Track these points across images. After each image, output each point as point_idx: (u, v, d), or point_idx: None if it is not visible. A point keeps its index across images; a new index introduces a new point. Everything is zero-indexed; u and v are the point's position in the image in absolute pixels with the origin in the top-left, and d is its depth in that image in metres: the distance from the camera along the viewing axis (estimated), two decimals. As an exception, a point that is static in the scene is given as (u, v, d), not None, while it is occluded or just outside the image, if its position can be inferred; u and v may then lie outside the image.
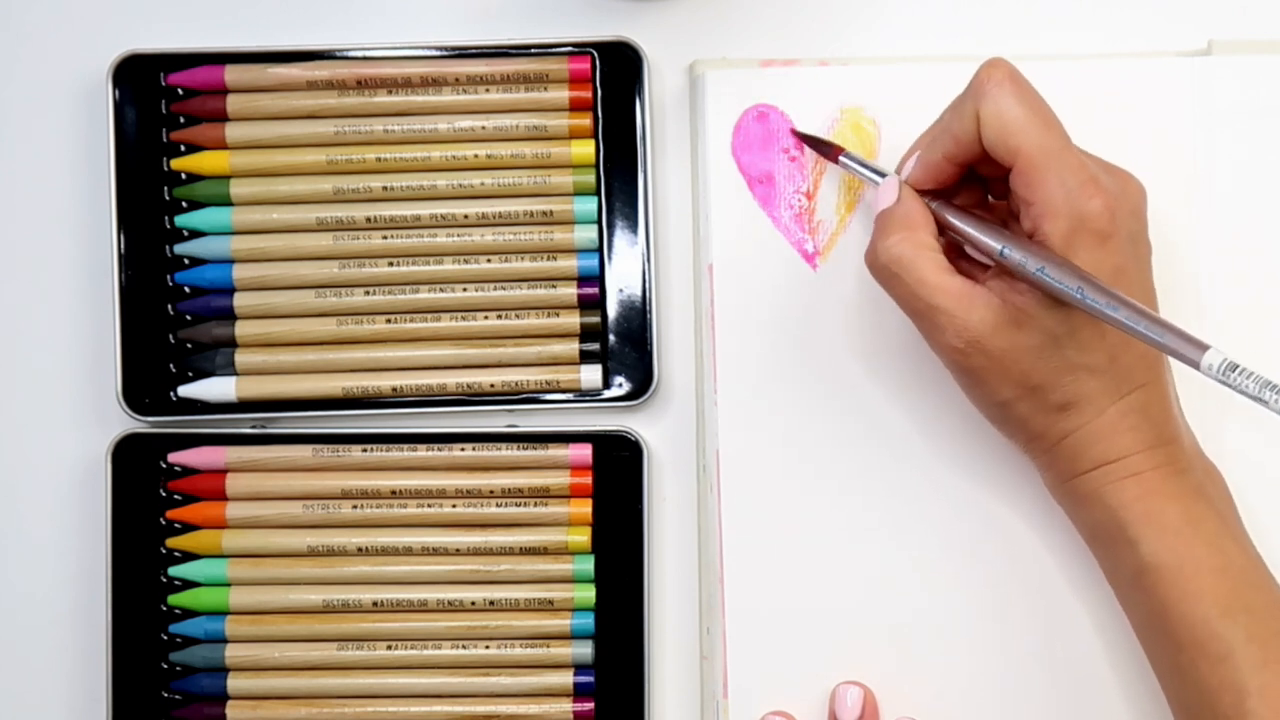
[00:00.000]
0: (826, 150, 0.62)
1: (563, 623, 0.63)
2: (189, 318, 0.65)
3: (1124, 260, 0.54)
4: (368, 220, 0.64)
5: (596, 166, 0.64)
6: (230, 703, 0.63)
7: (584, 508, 0.64)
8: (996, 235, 0.55)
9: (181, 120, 0.65)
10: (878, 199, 0.58)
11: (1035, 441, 0.57)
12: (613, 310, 0.64)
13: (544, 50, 0.64)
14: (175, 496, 0.64)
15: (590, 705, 0.63)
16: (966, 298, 0.54)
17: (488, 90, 0.64)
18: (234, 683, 0.63)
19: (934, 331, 0.55)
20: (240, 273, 0.64)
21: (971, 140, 0.55)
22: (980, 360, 0.55)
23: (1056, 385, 0.55)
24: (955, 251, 0.57)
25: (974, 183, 0.59)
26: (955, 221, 0.57)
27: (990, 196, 0.59)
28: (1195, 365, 0.50)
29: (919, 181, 0.57)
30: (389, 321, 0.64)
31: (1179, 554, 0.54)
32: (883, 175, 0.59)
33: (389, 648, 0.63)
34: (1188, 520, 0.54)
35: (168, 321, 0.64)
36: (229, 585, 0.64)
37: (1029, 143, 0.54)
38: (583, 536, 0.63)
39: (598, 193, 0.64)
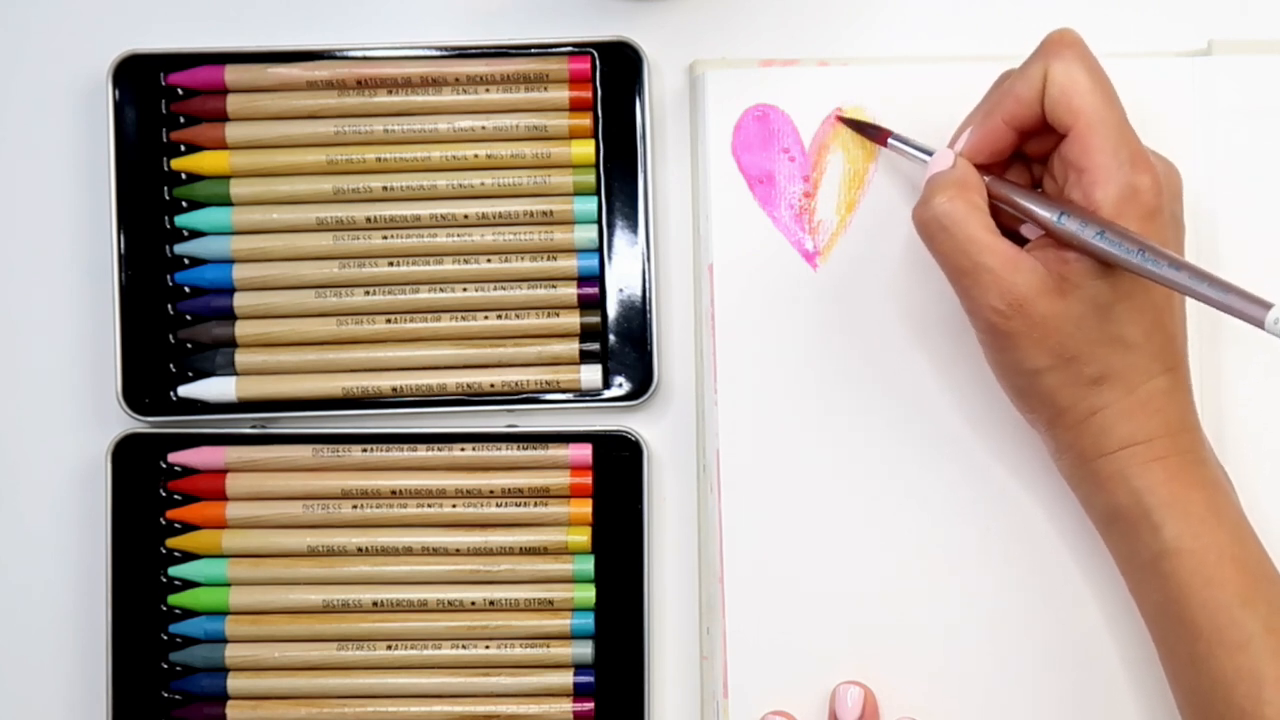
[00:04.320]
0: (874, 134, 0.62)
1: (563, 623, 0.63)
2: (189, 318, 0.65)
3: (1166, 239, 0.55)
4: (368, 220, 0.64)
5: (596, 166, 0.64)
6: (230, 703, 0.63)
7: (584, 508, 0.64)
8: (1052, 205, 0.55)
9: (181, 120, 0.65)
10: (931, 166, 0.58)
11: (1061, 417, 0.57)
12: (613, 310, 0.64)
13: (544, 50, 0.64)
14: (175, 496, 0.64)
15: (590, 705, 0.63)
16: (1012, 260, 0.55)
17: (488, 90, 0.64)
18: (234, 683, 0.63)
19: (975, 290, 0.55)
20: (240, 273, 0.64)
21: (1034, 100, 0.56)
22: (1019, 324, 0.55)
23: (1092, 357, 0.55)
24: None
25: (1022, 168, 0.59)
26: (1008, 193, 0.57)
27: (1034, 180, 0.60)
28: (1259, 323, 0.50)
29: (974, 151, 0.58)
30: (389, 321, 0.64)
31: (1203, 540, 0.54)
32: (933, 152, 0.59)
33: (389, 648, 0.63)
34: (1211, 508, 0.55)
35: (168, 321, 0.64)
36: (229, 585, 0.64)
37: (1090, 107, 0.55)
38: (583, 536, 0.63)
39: (598, 193, 0.64)
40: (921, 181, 0.58)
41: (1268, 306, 0.50)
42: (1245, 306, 0.51)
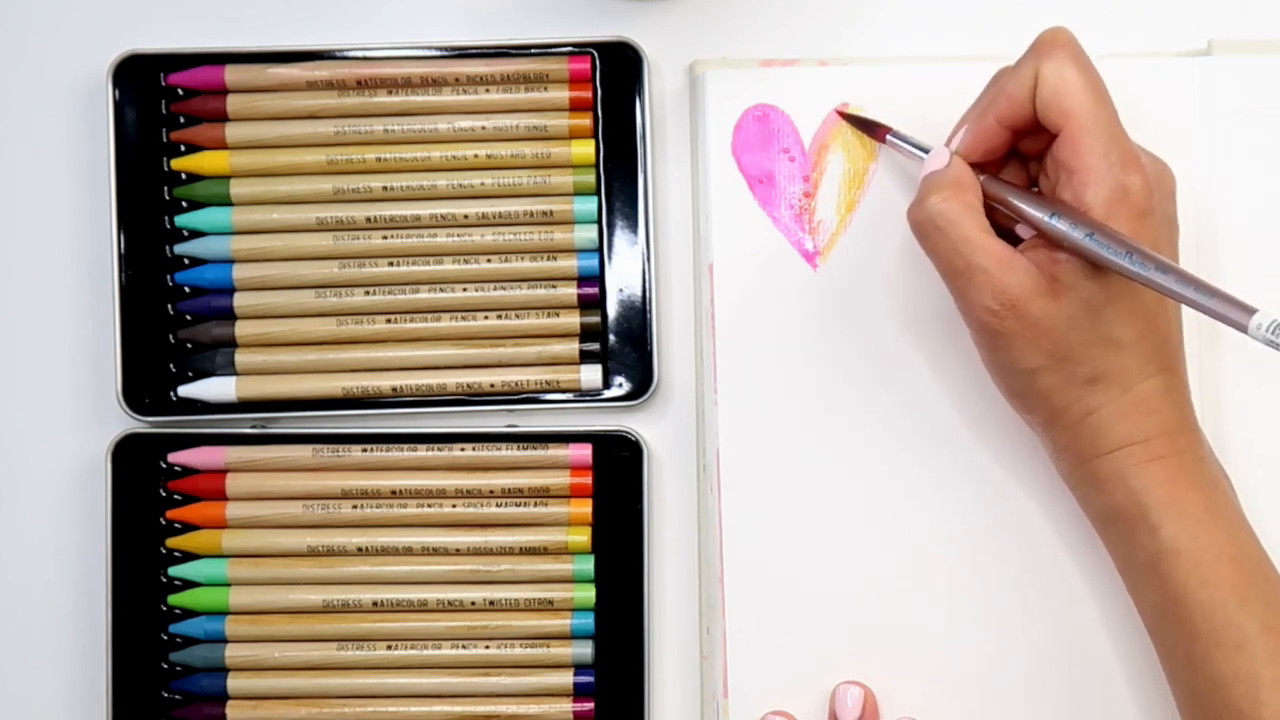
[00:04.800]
0: (873, 130, 0.63)
1: (563, 623, 0.63)
2: (189, 318, 0.65)
3: (1157, 239, 0.55)
4: (368, 220, 0.64)
5: (596, 166, 0.64)
6: (230, 703, 0.63)
7: (584, 508, 0.64)
8: (1044, 204, 0.55)
9: (181, 120, 0.65)
10: (926, 165, 0.58)
11: (1058, 417, 0.57)
12: (613, 310, 0.64)
13: (544, 50, 0.64)
14: (175, 496, 0.64)
15: (590, 705, 0.63)
16: (1006, 260, 0.55)
17: (488, 90, 0.64)
18: (234, 683, 0.63)
19: (969, 290, 0.55)
20: (240, 273, 0.64)
21: (1025, 100, 0.56)
22: (1012, 324, 0.55)
23: (1086, 357, 0.55)
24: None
25: (1018, 166, 0.59)
26: (1002, 192, 0.57)
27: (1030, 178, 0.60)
28: (1243, 328, 0.51)
29: (969, 150, 0.58)
30: (389, 321, 0.64)
31: (1200, 540, 0.54)
32: (930, 150, 0.59)
33: (389, 648, 0.63)
34: (1208, 508, 0.55)
35: (168, 321, 0.64)
36: (229, 585, 0.64)
37: (1081, 108, 0.55)
38: (583, 536, 0.63)
39: (598, 193, 0.64)
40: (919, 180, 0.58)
41: (1252, 312, 0.50)
42: (1230, 311, 0.51)
